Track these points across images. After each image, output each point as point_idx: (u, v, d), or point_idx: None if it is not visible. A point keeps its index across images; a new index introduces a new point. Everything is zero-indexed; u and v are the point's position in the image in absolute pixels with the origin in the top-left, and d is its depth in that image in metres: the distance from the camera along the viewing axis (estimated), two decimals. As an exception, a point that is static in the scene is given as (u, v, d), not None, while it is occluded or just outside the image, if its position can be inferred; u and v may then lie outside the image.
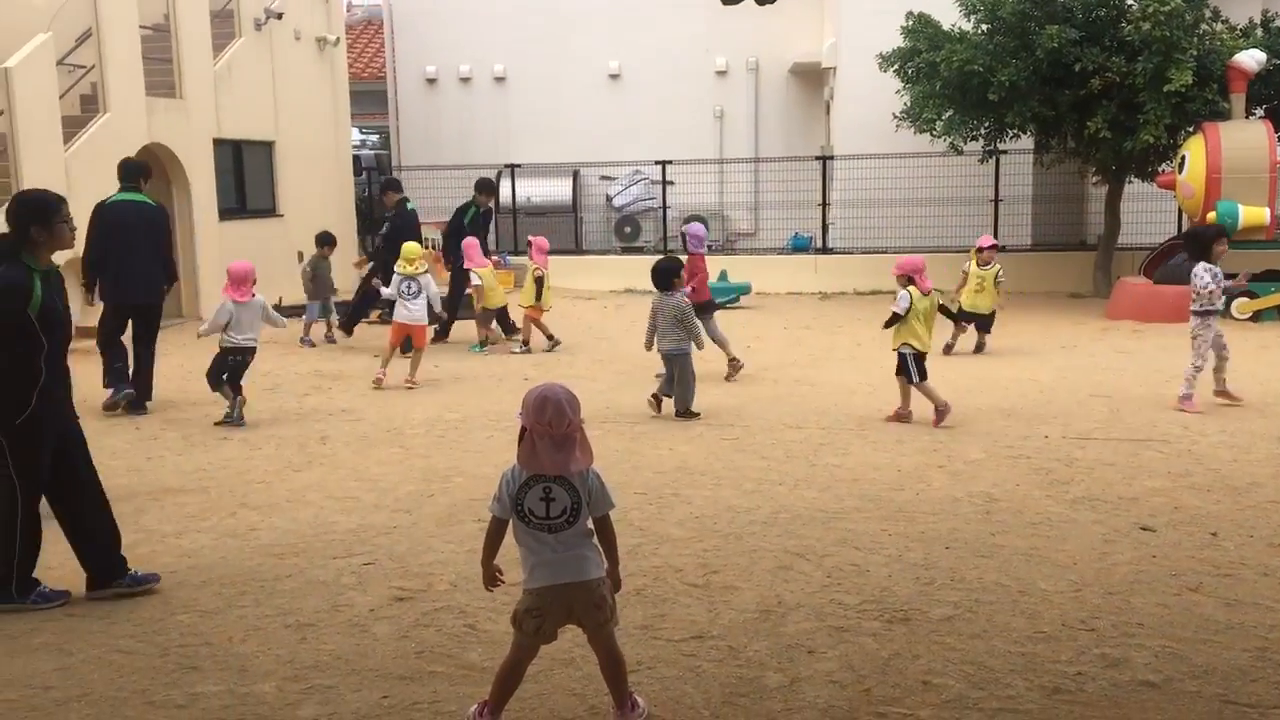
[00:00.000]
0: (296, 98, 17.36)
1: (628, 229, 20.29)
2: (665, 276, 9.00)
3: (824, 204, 18.60)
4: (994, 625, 4.71)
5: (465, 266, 12.30)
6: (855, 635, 4.62)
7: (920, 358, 8.64)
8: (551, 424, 3.63)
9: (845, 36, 18.41)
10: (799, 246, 19.17)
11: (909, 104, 15.29)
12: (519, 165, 19.79)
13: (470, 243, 12.43)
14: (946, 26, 15.06)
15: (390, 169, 21.38)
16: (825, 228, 18.84)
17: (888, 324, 8.72)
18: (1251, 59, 13.48)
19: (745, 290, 16.65)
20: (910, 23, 15.22)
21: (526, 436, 3.68)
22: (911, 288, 8.57)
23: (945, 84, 14.49)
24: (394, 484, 7.01)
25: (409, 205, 13.22)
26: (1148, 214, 16.76)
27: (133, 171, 9.48)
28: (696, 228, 11.19)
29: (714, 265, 17.30)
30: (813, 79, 20.59)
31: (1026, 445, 7.84)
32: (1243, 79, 13.57)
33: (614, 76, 21.00)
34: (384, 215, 13.42)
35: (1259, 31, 14.54)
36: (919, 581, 5.22)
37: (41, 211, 4.96)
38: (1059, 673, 4.25)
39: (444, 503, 6.59)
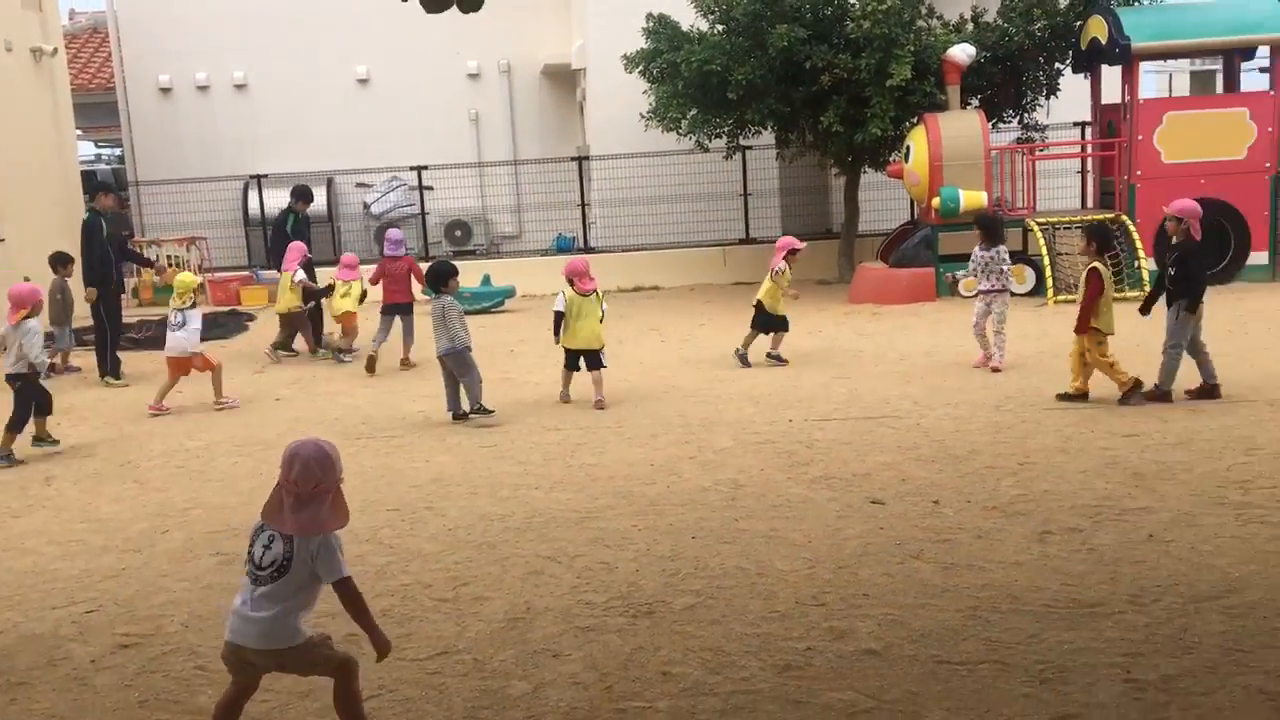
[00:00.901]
0: (11, 114, 16.12)
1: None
2: (436, 279, 9.00)
3: (583, 204, 18.79)
4: (733, 609, 4.88)
5: (287, 270, 12.34)
6: (600, 634, 4.69)
7: (589, 354, 9.30)
8: (297, 482, 3.53)
9: (591, 38, 18.63)
10: (562, 247, 19.27)
11: (654, 103, 15.64)
12: (265, 175, 19.06)
13: (294, 245, 12.51)
14: (685, 27, 15.48)
15: (127, 184, 20.19)
16: (586, 227, 19.06)
17: (555, 327, 9.33)
18: (963, 52, 14.46)
19: (509, 294, 16.63)
20: (650, 24, 15.55)
21: (275, 488, 3.59)
22: (567, 288, 9.29)
23: (687, 84, 14.88)
24: (125, 523, 6.63)
25: (299, 217, 13.20)
26: (883, 202, 17.75)
27: None
28: (393, 232, 12.38)
29: (478, 269, 17.30)
30: (565, 80, 20.75)
31: (772, 430, 8.17)
32: (956, 72, 14.55)
33: (363, 81, 20.53)
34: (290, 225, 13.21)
35: (970, 26, 15.62)
36: (665, 573, 5.35)
37: None
38: (790, 650, 4.45)
39: (179, 539, 6.27)
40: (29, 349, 8.34)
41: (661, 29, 15.48)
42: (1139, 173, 14.22)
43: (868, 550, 5.55)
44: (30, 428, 8.51)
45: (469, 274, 17.32)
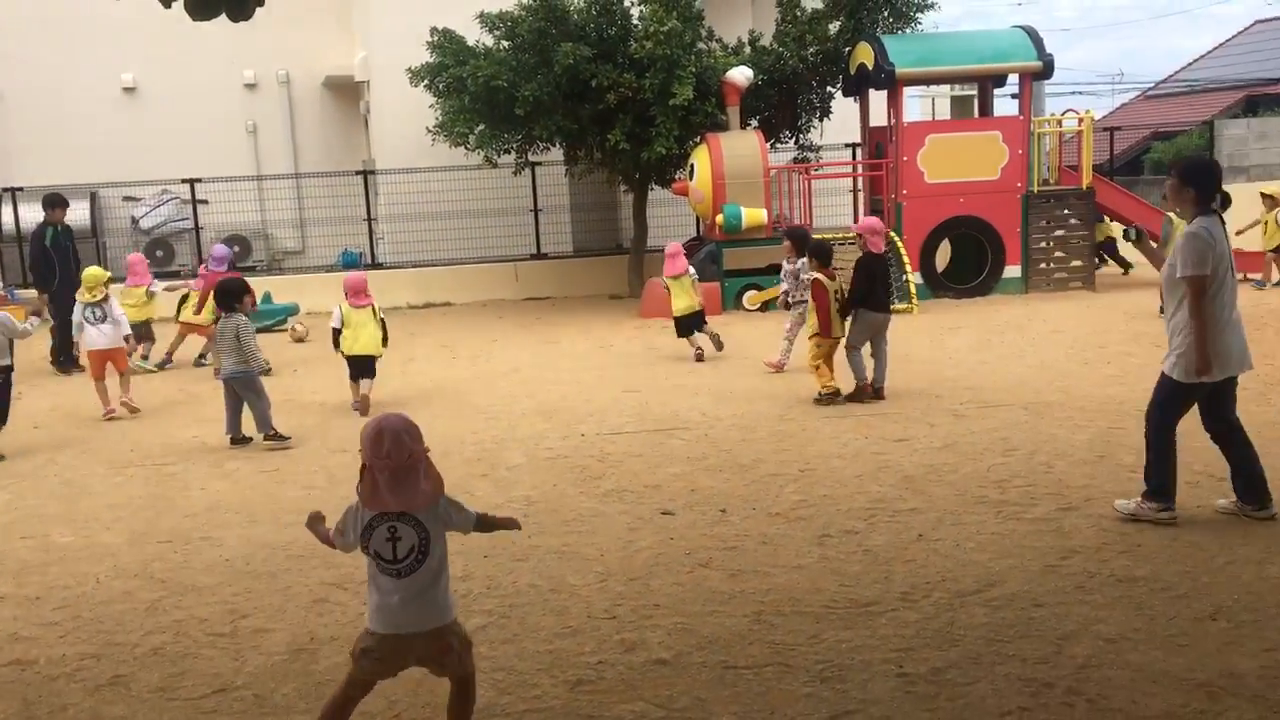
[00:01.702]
0: None
1: (159, 252, 18.88)
2: (227, 297, 8.71)
3: (370, 218, 18.39)
4: (525, 628, 4.86)
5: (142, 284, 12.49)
6: (389, 660, 4.57)
7: (361, 361, 9.65)
8: (390, 455, 3.44)
9: (375, 50, 18.30)
10: (349, 263, 18.77)
11: (441, 118, 15.48)
12: (21, 189, 17.78)
13: (136, 258, 12.85)
14: (471, 42, 15.41)
15: None
16: (374, 243, 18.65)
17: (334, 340, 9.62)
18: (741, 75, 14.99)
19: (292, 311, 16.08)
20: (435, 38, 15.40)
21: (366, 473, 3.48)
22: (344, 303, 9.67)
23: (474, 98, 14.82)
24: None
25: (58, 229, 12.58)
26: (670, 218, 18.15)
27: None
28: (218, 248, 12.71)
29: (259, 287, 16.60)
30: (348, 92, 20.29)
31: (565, 445, 8.19)
32: (736, 93, 15.07)
33: (129, 90, 19.50)
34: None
35: (747, 50, 16.20)
36: (457, 594, 5.14)
37: None
38: (582, 664, 4.46)
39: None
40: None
41: (447, 43, 15.37)
42: (905, 191, 15.06)
43: (659, 561, 5.64)
44: None
45: (249, 292, 16.65)
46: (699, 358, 11.38)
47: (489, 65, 14.61)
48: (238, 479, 7.64)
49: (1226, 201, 8.72)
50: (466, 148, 15.67)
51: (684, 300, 11.55)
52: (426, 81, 15.53)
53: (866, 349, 9.26)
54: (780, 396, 9.51)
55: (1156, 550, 5.39)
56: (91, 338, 9.96)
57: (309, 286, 17.46)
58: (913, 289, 14.40)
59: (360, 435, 3.53)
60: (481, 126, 15.33)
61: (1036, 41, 15.13)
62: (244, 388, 8.58)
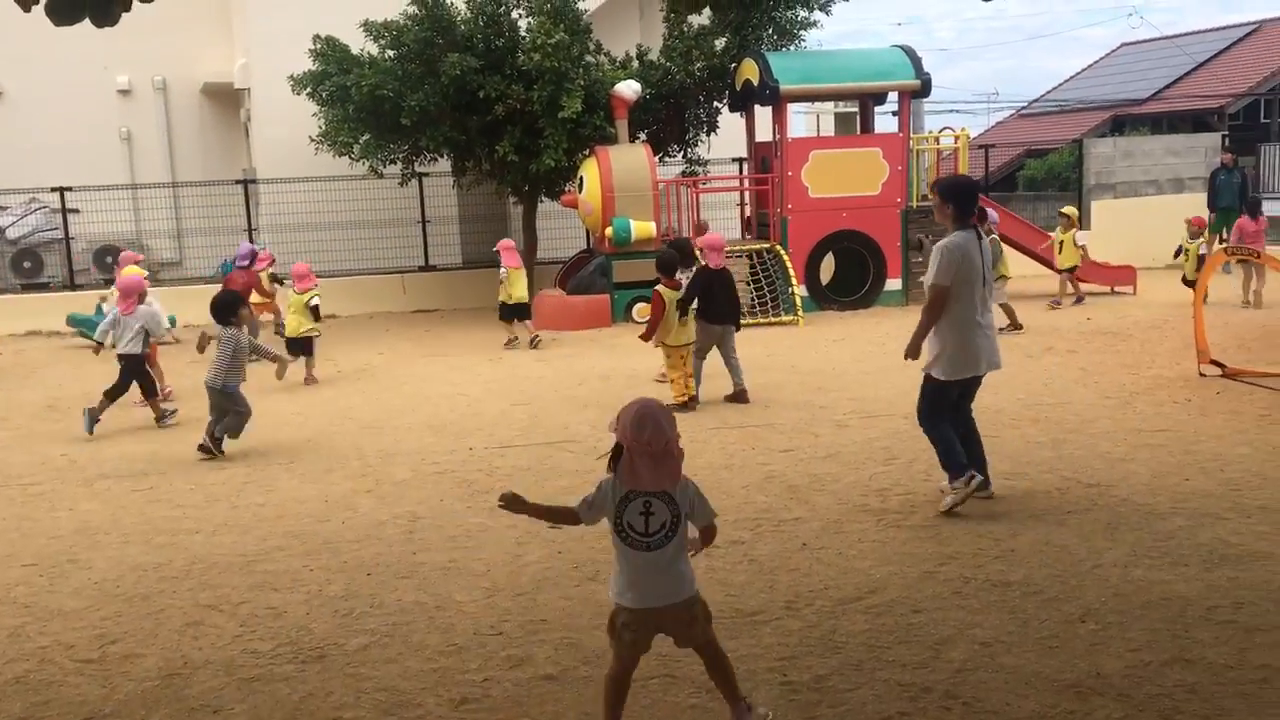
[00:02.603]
0: None
1: (27, 264, 18.13)
2: (226, 310, 8.70)
3: (250, 229, 17.93)
4: (409, 646, 4.78)
5: None
6: (267, 683, 4.46)
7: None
8: (650, 441, 3.65)
9: (256, 57, 17.89)
10: (228, 273, 18.27)
11: (325, 127, 15.21)
12: (-125, 196, 16.89)
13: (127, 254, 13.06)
14: (356, 50, 15.17)
15: None
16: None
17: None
18: (629, 88, 15.06)
19: (169, 324, 15.53)
20: (319, 46, 15.13)
21: (625, 454, 3.69)
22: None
23: (358, 108, 14.60)
24: None
25: None
26: (560, 230, 18.13)
27: None
28: (243, 245, 13.67)
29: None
30: (228, 100, 19.80)
31: (452, 459, 8.10)
32: (624, 106, 15.14)
33: (-5, 94, 18.68)
34: None
35: (635, 64, 16.30)
36: (338, 614, 5.16)
37: None
38: (467, 682, 4.41)
39: None
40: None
41: (330, 51, 15.11)
42: (790, 206, 15.32)
43: (546, 575, 5.61)
44: None
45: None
46: (535, 344, 13.13)
47: (374, 74, 14.42)
48: (108, 499, 7.36)
49: (984, 217, 9.12)
50: (351, 158, 15.43)
51: (519, 289, 13.20)
52: (309, 90, 15.24)
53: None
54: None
55: (1029, 554, 5.57)
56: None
57: (187, 298, 16.91)
58: (798, 301, 14.64)
59: (619, 417, 3.74)
60: (367, 136, 15.11)
61: (915, 61, 15.56)
62: (228, 400, 8.50)
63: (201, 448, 8.46)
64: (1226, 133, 25.62)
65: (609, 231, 14.79)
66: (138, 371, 9.70)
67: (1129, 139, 25.09)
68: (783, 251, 15.06)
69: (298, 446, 8.70)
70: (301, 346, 11.51)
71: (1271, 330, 11.23)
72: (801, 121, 28.58)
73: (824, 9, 16.58)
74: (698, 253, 10.03)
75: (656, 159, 15.86)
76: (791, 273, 14.82)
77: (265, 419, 9.85)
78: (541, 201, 16.91)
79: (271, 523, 6.69)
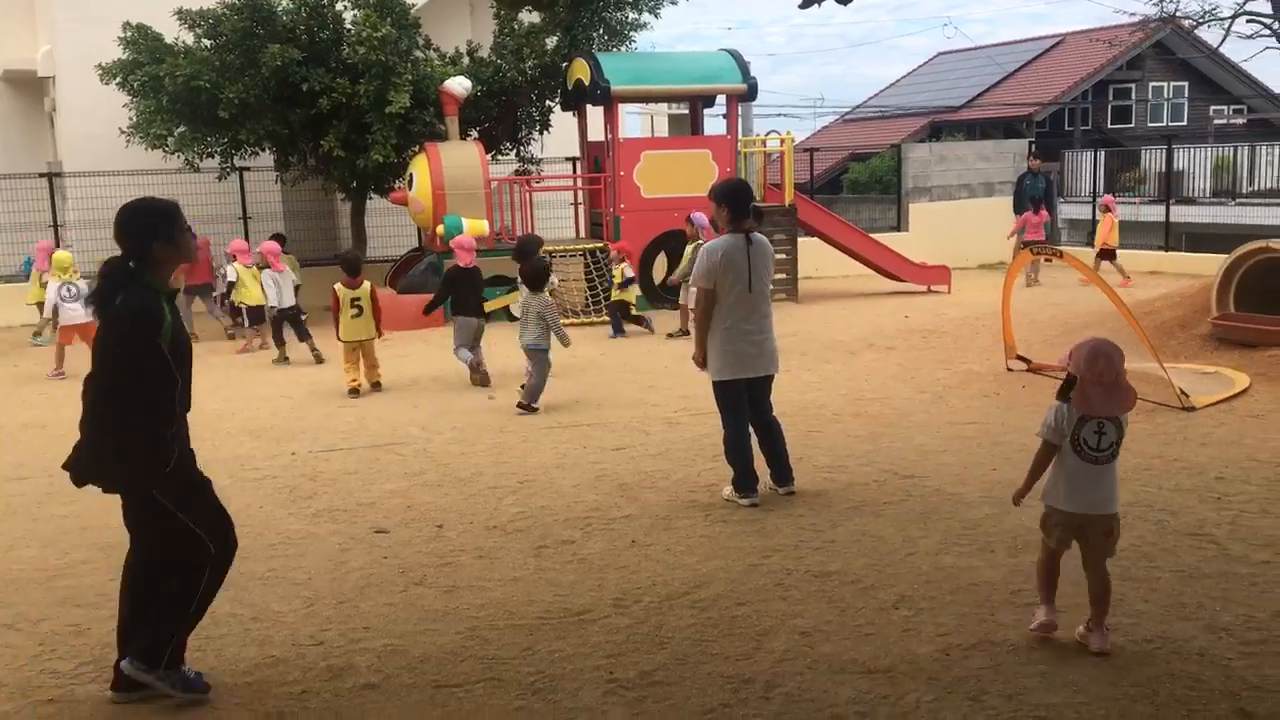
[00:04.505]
0: None
1: None
2: (539, 278, 9.41)
3: (55, 225, 16.93)
4: (222, 660, 4.59)
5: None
6: (67, 704, 4.21)
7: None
8: (1103, 373, 4.24)
9: (61, 45, 16.93)
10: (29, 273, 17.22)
11: (136, 118, 14.50)
12: None
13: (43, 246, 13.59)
14: (170, 39, 14.52)
15: None
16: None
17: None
18: (459, 85, 14.88)
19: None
20: (129, 34, 14.41)
21: (1079, 384, 4.29)
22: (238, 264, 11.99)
23: (172, 99, 13.98)
24: None
25: None
26: (391, 228, 17.77)
27: None
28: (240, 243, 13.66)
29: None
30: (31, 88, 18.67)
31: (274, 465, 7.84)
32: (454, 103, 14.94)
33: None
34: None
35: (465, 60, 16.11)
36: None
37: (164, 222, 4.14)
38: (284, 695, 4.26)
39: None
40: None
41: (142, 39, 14.41)
42: (623, 205, 15.43)
43: (370, 581, 5.47)
44: None
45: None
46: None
47: (189, 64, 13.83)
48: (-109, 514, 6.82)
49: (759, 216, 9.53)
50: (165, 150, 14.75)
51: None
52: (119, 79, 14.50)
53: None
54: (501, 408, 9.48)
55: (848, 545, 5.75)
56: (69, 313, 11.65)
57: (-15, 299, 15.89)
58: (632, 299, 14.73)
59: (1072, 354, 4.35)
60: (182, 128, 14.49)
61: (741, 65, 15.88)
62: (537, 360, 9.23)
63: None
64: (1033, 139, 27.08)
65: (440, 229, 14.58)
66: None
67: (944, 144, 26.22)
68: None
69: (106, 454, 8.25)
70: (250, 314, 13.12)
71: (1073, 326, 11.90)
72: (637, 122, 28.85)
73: (653, 11, 16.75)
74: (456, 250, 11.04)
75: (489, 157, 15.71)
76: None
77: (72, 425, 9.32)
78: (370, 198, 16.55)
79: (75, 535, 6.34)
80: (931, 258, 17.68)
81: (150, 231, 4.14)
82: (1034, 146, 23.34)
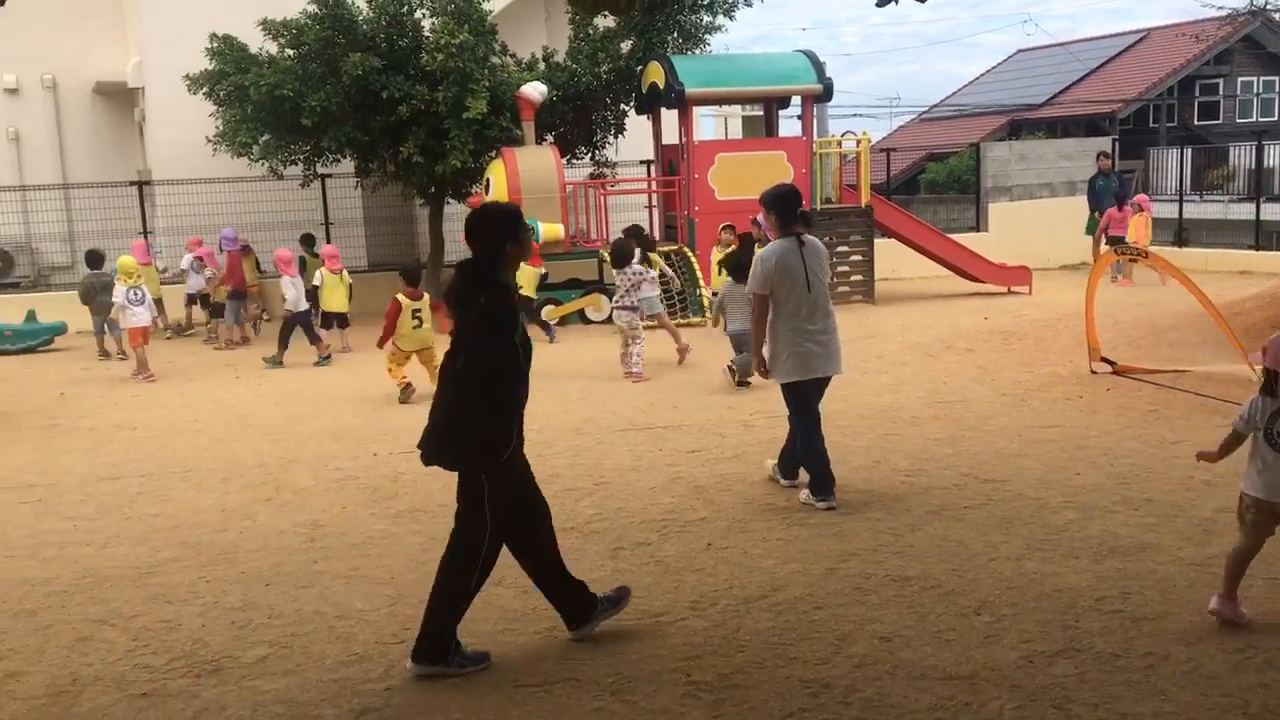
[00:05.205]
0: None
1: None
2: (742, 272, 9.28)
3: (145, 232, 17.43)
4: (308, 657, 4.69)
5: None
6: (160, 698, 4.33)
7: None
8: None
9: (150, 56, 17.42)
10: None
11: (222, 127, 14.87)
12: None
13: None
14: (254, 49, 14.86)
15: None
16: (152, 257, 17.65)
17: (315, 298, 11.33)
18: (535, 90, 15.01)
19: (59, 330, 15.09)
20: (215, 44, 14.79)
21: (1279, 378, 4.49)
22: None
23: (257, 107, 14.31)
24: None
25: None
26: (468, 232, 17.94)
27: None
28: (226, 231, 14.48)
29: (22, 304, 15.54)
30: (122, 99, 19.24)
31: (356, 465, 7.98)
32: (530, 108, 15.08)
33: None
34: None
35: (541, 66, 16.24)
36: (235, 626, 5.04)
37: (516, 224, 4.49)
38: (369, 692, 4.34)
39: None
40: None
41: (227, 50, 14.77)
42: (696, 208, 15.42)
43: (449, 582, 5.53)
44: None
45: (11, 309, 15.59)
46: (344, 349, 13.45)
47: (273, 74, 14.14)
48: (-7, 512, 7.09)
49: (808, 221, 9.50)
50: (250, 158, 15.10)
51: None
52: (206, 89, 14.88)
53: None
54: (575, 410, 9.54)
55: (927, 550, 5.68)
56: (135, 316, 12.03)
57: (79, 304, 16.39)
58: (706, 302, 14.71)
59: (1266, 349, 4.53)
60: (266, 136, 14.81)
61: (817, 65, 15.78)
62: (744, 343, 9.48)
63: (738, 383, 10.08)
64: (1116, 137, 26.49)
65: (517, 233, 14.69)
66: None
67: (1024, 143, 25.79)
68: (689, 253, 15.14)
69: (194, 454, 8.48)
70: (338, 320, 13.34)
71: (1159, 328, 11.64)
72: (710, 124, 28.81)
73: (727, 14, 16.72)
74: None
75: (564, 161, 15.82)
76: (699, 274, 14.90)
77: (160, 428, 9.60)
78: (448, 203, 16.76)
79: (166, 533, 6.52)
80: (1012, 258, 17.39)
81: (505, 233, 4.47)
82: (1116, 144, 22.84)
